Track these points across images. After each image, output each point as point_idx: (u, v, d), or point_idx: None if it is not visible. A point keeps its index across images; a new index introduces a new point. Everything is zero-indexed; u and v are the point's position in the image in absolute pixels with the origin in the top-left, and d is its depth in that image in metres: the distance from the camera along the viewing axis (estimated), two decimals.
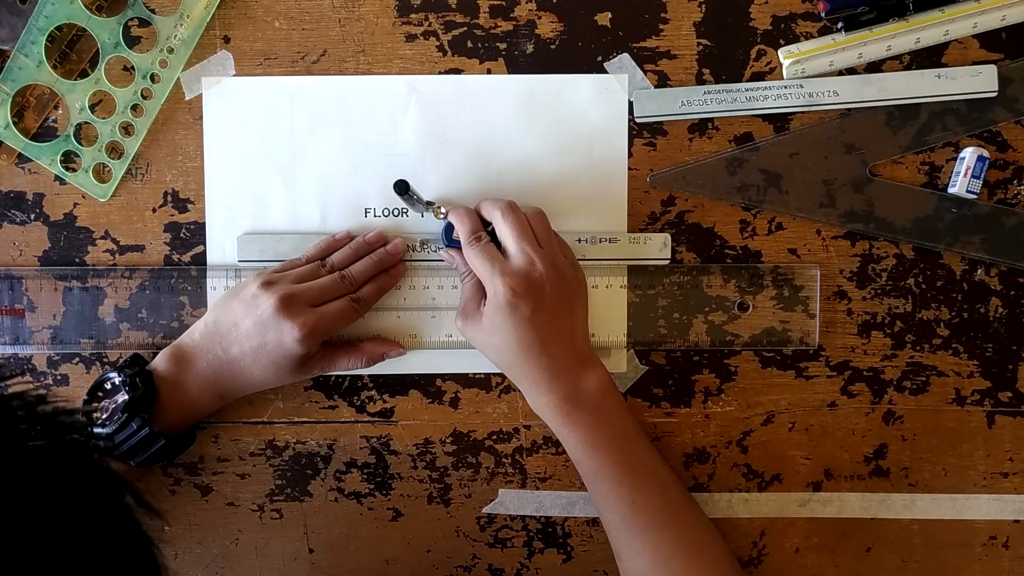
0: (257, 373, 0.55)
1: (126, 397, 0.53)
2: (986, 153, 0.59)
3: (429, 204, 0.58)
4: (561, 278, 0.54)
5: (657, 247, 0.60)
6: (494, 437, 0.61)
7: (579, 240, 0.60)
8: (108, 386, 0.54)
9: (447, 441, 0.61)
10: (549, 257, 0.54)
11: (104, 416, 0.53)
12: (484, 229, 0.55)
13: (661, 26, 0.59)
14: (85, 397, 0.54)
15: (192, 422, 0.57)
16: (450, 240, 0.57)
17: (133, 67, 0.58)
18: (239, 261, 0.59)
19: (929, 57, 0.60)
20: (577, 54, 0.60)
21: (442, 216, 0.57)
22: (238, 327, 0.54)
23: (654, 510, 0.54)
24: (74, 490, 0.35)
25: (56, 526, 0.33)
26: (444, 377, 0.61)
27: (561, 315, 0.54)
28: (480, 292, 0.55)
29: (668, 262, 0.60)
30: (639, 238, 0.60)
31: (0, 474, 0.33)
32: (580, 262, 0.58)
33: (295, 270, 0.56)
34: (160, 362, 0.55)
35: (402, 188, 0.55)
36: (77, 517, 0.34)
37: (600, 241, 0.60)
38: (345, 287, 0.56)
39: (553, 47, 0.60)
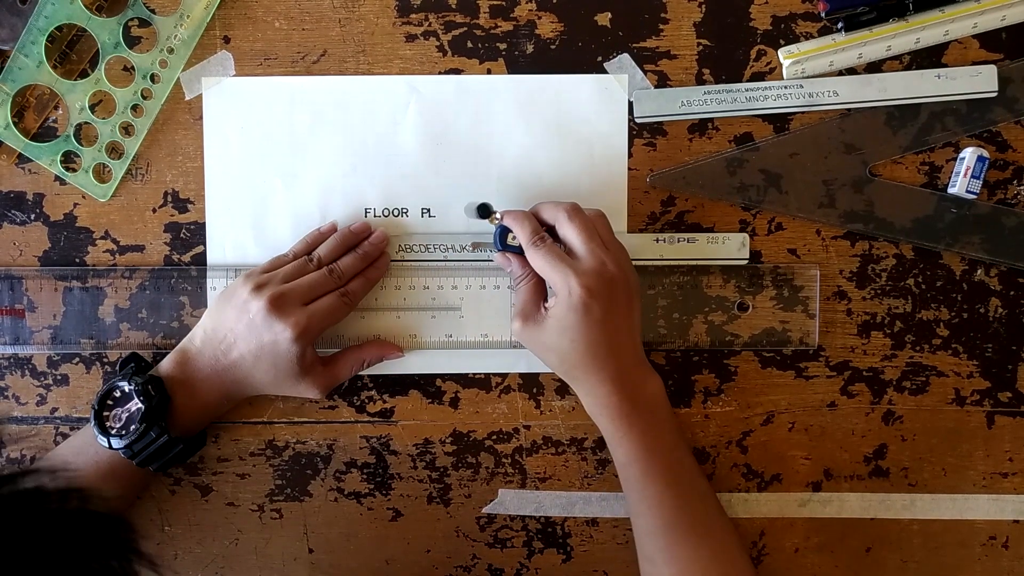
0: (259, 375, 0.55)
1: (140, 407, 0.53)
2: (986, 153, 0.59)
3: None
4: (626, 280, 0.54)
5: (735, 247, 0.60)
6: (494, 437, 0.61)
7: (657, 240, 0.59)
8: (117, 394, 0.54)
9: (447, 441, 0.61)
10: (615, 258, 0.53)
11: (119, 426, 0.54)
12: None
13: (661, 26, 0.59)
14: (95, 407, 0.54)
15: (206, 423, 0.57)
16: (504, 244, 0.57)
17: (133, 67, 0.58)
18: None
19: (929, 57, 0.60)
20: (577, 54, 0.60)
21: (497, 220, 0.57)
22: (234, 332, 0.54)
23: (696, 518, 0.54)
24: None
25: None
26: (444, 377, 0.61)
27: (626, 317, 0.54)
28: (539, 295, 0.55)
29: (747, 262, 0.60)
30: (718, 238, 0.60)
31: None
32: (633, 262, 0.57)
33: (283, 268, 0.56)
34: (168, 367, 0.55)
35: (485, 212, 0.58)
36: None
37: (679, 241, 0.59)
38: (334, 281, 0.56)
39: (553, 47, 0.60)
